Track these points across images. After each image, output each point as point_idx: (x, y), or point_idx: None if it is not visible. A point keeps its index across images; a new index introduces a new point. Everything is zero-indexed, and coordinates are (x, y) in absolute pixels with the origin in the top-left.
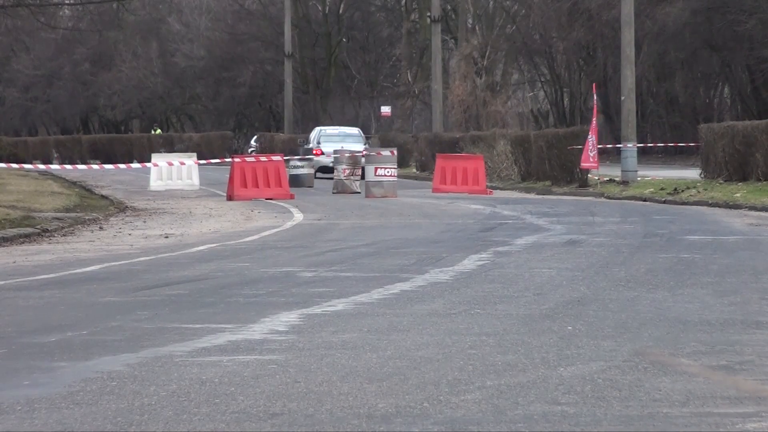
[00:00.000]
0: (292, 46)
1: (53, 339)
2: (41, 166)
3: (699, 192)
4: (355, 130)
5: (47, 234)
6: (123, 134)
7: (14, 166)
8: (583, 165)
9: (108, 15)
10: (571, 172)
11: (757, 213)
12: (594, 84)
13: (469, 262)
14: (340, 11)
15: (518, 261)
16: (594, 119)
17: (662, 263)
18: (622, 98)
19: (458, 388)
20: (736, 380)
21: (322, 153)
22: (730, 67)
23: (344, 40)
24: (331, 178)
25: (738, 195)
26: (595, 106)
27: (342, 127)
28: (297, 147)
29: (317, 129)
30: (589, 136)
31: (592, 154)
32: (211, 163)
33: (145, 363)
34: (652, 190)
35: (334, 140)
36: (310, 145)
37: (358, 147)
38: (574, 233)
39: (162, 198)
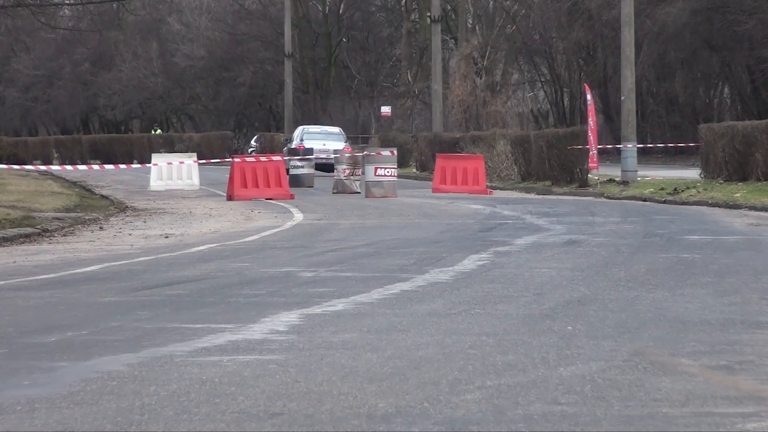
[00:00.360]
0: (292, 46)
1: (53, 339)
2: (42, 167)
3: (699, 192)
4: (336, 129)
5: (47, 234)
6: (123, 134)
7: (15, 166)
8: (591, 166)
9: (108, 15)
10: (571, 172)
11: (757, 213)
12: (585, 84)
13: (469, 262)
14: (340, 11)
15: (518, 261)
16: (591, 119)
17: (662, 263)
18: (622, 98)
19: (458, 388)
20: (736, 380)
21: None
22: (730, 67)
23: (344, 40)
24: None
25: (738, 195)
26: (592, 106)
27: (324, 126)
28: (282, 144)
29: (301, 128)
30: (590, 137)
31: (591, 153)
32: (211, 163)
33: (145, 363)
34: (652, 190)
35: (317, 138)
36: (294, 144)
37: (339, 145)
38: (574, 233)
39: (162, 198)
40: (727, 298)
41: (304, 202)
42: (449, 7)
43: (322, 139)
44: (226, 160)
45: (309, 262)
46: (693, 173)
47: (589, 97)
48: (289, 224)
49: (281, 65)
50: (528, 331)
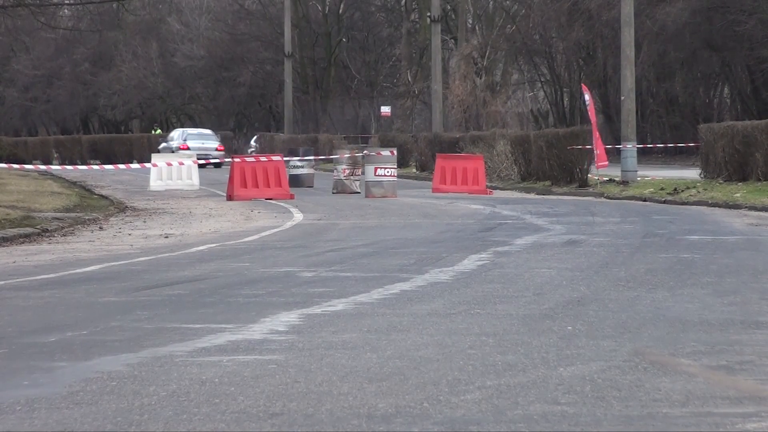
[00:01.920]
0: (292, 46)
1: (53, 339)
2: (42, 167)
3: (699, 192)
4: (209, 131)
5: (47, 234)
6: (123, 134)
7: (15, 166)
8: (600, 164)
9: (108, 15)
10: (571, 172)
11: (757, 213)
12: (583, 84)
13: (469, 262)
14: (340, 11)
15: (518, 261)
16: (592, 119)
17: (662, 263)
18: (622, 98)
19: (458, 388)
20: (736, 380)
21: (188, 148)
22: (730, 67)
23: (344, 40)
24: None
25: (738, 195)
26: (591, 106)
27: (200, 129)
28: (160, 143)
29: (180, 130)
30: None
31: (597, 153)
32: (211, 163)
33: (145, 363)
34: (652, 190)
35: (197, 138)
36: (176, 143)
37: (215, 144)
38: (574, 233)
39: (162, 198)
40: (727, 298)
41: (303, 202)
42: (449, 7)
43: (201, 140)
44: (226, 160)
45: (309, 262)
46: (693, 173)
47: (587, 96)
48: (289, 224)
49: (281, 65)
50: (528, 331)
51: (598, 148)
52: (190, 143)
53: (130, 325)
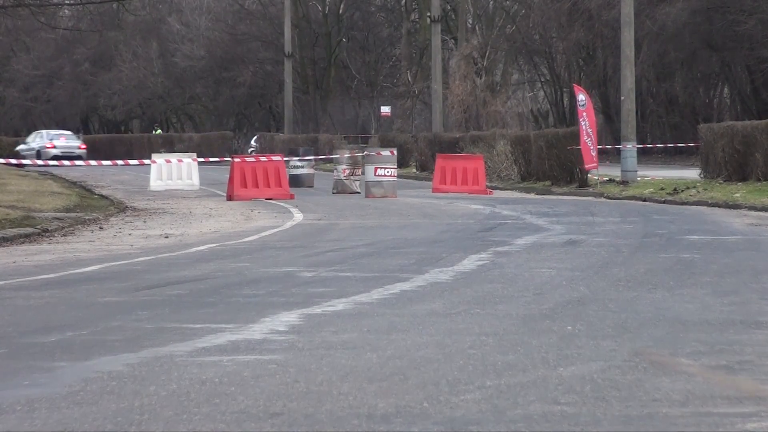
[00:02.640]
0: (292, 46)
1: (53, 339)
2: (39, 162)
3: (699, 192)
4: (69, 132)
5: (47, 234)
6: (123, 134)
7: (13, 161)
8: (587, 166)
9: (108, 15)
10: (571, 172)
11: (757, 213)
12: (575, 85)
13: (469, 262)
14: (340, 11)
15: (518, 261)
16: (587, 119)
17: (662, 263)
18: (622, 98)
19: (458, 388)
20: (736, 380)
21: (55, 147)
22: (730, 67)
23: (344, 40)
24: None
25: (738, 195)
26: (589, 105)
27: (61, 131)
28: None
29: (43, 131)
30: (586, 138)
31: (593, 154)
32: (210, 162)
33: (145, 363)
34: (651, 190)
35: (58, 138)
36: (38, 144)
37: (77, 142)
38: (573, 233)
39: (162, 198)
40: (727, 298)
41: (303, 202)
42: (449, 7)
43: (66, 138)
44: (226, 159)
45: (309, 262)
46: (693, 173)
47: (581, 97)
48: (289, 224)
49: (281, 65)
50: (528, 331)
51: (595, 148)
52: (56, 142)
53: (130, 325)
